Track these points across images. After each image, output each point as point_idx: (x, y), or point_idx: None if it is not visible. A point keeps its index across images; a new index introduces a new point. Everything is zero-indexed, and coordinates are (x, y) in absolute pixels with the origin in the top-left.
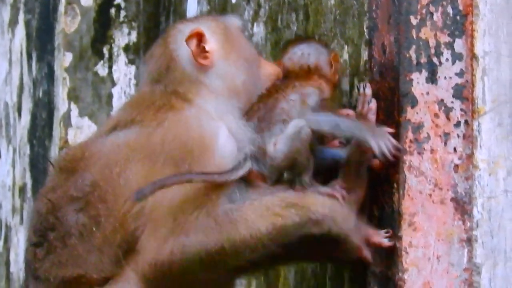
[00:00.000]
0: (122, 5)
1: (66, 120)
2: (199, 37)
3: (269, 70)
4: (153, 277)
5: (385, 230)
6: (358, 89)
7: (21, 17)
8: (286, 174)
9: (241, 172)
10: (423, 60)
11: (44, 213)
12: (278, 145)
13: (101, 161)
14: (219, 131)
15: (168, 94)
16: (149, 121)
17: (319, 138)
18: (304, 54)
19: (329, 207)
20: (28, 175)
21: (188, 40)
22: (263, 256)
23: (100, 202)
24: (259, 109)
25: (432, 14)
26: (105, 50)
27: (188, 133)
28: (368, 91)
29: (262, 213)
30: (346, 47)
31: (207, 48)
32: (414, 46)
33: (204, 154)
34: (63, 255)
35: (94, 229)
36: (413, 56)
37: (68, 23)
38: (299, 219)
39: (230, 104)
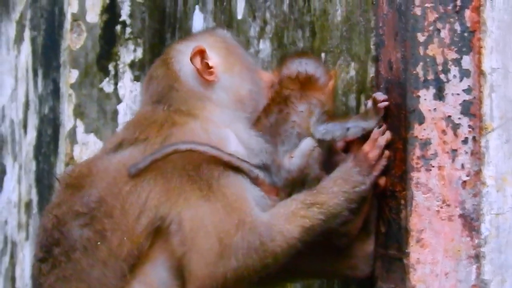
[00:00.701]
0: (128, 22)
1: (72, 136)
2: (202, 54)
3: (264, 77)
4: None
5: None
6: (365, 106)
7: (27, 34)
8: (299, 188)
9: (247, 168)
10: (431, 76)
11: (49, 229)
12: (294, 158)
13: (108, 179)
14: (228, 138)
15: (170, 112)
16: (154, 138)
17: (328, 148)
18: (302, 63)
19: (342, 194)
20: (33, 191)
21: (192, 58)
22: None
23: (106, 217)
24: (268, 121)
25: (439, 30)
26: (111, 67)
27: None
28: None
29: (291, 220)
30: (352, 63)
31: (210, 63)
32: (421, 63)
33: (216, 163)
34: (67, 269)
35: (99, 243)
36: (420, 73)
37: (73, 40)
38: (324, 216)
39: (237, 115)
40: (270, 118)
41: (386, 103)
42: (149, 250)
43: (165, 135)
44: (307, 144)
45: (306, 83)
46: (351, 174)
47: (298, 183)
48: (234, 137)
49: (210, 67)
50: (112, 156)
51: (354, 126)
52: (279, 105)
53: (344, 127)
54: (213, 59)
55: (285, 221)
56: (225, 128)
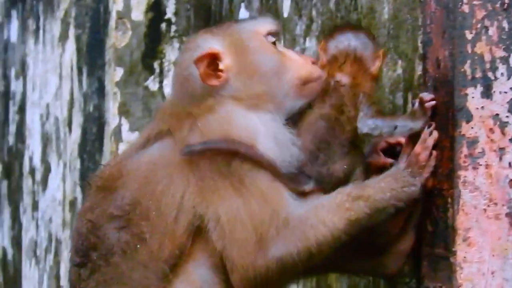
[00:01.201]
0: (173, 19)
1: (117, 134)
2: (212, 56)
3: (299, 72)
4: None
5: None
6: (413, 105)
7: (72, 31)
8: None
9: (299, 184)
10: (478, 74)
11: (84, 233)
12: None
13: (140, 179)
14: (255, 129)
15: (187, 106)
16: (178, 131)
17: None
18: (351, 44)
19: (389, 191)
20: (78, 189)
21: (197, 62)
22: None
23: (143, 219)
24: (322, 124)
25: (487, 28)
26: (156, 65)
27: (225, 136)
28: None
29: (335, 211)
30: (399, 61)
31: (221, 66)
32: (469, 61)
33: (246, 157)
34: (107, 273)
35: (138, 246)
36: (468, 70)
37: (118, 38)
38: (369, 210)
39: (259, 108)
40: (322, 120)
41: (433, 102)
42: (190, 249)
43: (188, 128)
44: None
45: (355, 67)
46: (402, 174)
47: (341, 185)
48: (262, 128)
49: (220, 70)
50: (140, 155)
51: (402, 126)
52: (334, 108)
53: (392, 125)
54: (226, 61)
55: (329, 212)
56: (251, 117)
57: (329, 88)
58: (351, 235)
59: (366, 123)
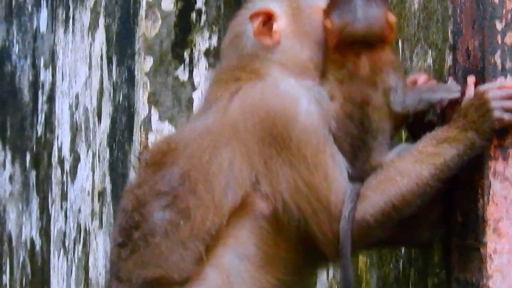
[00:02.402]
0: (203, 9)
1: (146, 124)
2: (268, 15)
3: None
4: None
5: None
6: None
7: (101, 21)
8: None
9: None
10: (508, 65)
11: (129, 211)
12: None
13: (186, 152)
14: (300, 93)
15: (233, 69)
16: (221, 99)
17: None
18: (355, 18)
19: (473, 125)
20: (107, 179)
21: (252, 17)
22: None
23: (190, 194)
24: (350, 117)
25: None
26: (186, 55)
27: (266, 103)
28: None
29: (417, 159)
30: (430, 51)
31: (274, 27)
32: (499, 51)
33: (289, 123)
34: (146, 254)
35: (181, 222)
36: (498, 61)
37: (148, 27)
38: (457, 150)
39: (304, 76)
40: (348, 120)
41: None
42: (223, 232)
43: (233, 90)
44: (403, 148)
45: (366, 47)
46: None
47: None
48: (305, 94)
49: (273, 31)
50: (188, 127)
51: (427, 98)
52: (357, 102)
53: (416, 99)
54: (279, 23)
55: (409, 162)
56: (294, 83)
57: (348, 77)
58: (442, 178)
59: (399, 102)
